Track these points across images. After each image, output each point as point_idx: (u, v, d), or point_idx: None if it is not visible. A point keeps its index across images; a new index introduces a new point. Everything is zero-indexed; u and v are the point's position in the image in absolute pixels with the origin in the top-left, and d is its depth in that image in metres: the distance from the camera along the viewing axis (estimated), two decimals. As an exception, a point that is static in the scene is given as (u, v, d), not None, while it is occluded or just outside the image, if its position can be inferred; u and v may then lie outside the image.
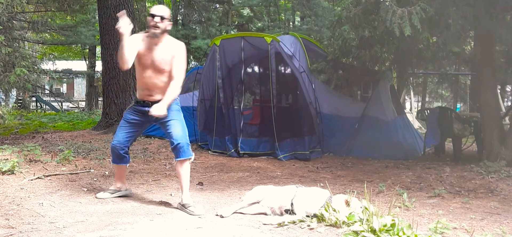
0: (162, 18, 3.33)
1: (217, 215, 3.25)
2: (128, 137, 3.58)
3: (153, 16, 3.32)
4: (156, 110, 3.25)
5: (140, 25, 13.20)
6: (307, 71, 6.76)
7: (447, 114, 6.98)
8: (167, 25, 3.39)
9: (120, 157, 3.62)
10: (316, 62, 8.72)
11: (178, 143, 3.36)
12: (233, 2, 15.06)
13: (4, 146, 5.75)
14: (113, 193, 3.77)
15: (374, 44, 6.97)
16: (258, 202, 3.39)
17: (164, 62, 3.36)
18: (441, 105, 16.54)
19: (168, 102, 3.32)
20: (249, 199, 3.41)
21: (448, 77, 10.42)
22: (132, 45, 3.32)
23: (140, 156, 6.08)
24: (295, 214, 3.19)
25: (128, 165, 3.79)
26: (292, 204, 3.25)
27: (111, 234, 2.79)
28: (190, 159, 3.44)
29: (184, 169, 3.45)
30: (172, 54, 3.38)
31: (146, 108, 3.42)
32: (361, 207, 3.03)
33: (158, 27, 3.31)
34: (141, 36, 3.44)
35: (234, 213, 3.30)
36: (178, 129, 3.40)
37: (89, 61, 19.51)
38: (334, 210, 3.06)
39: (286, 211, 3.26)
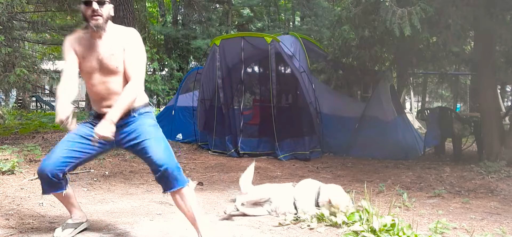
0: (101, 2, 2.42)
1: (225, 213, 3.23)
2: (67, 157, 2.46)
3: (87, 3, 2.41)
4: (100, 130, 2.30)
5: (140, 25, 13.19)
6: (307, 71, 6.76)
7: (447, 114, 6.99)
8: (110, 10, 2.50)
9: (51, 184, 2.49)
10: (316, 62, 8.73)
11: (164, 168, 2.36)
12: (233, 2, 15.07)
13: (4, 146, 5.75)
14: (76, 227, 2.74)
15: (374, 44, 6.97)
16: (259, 202, 3.38)
17: (114, 58, 2.47)
18: (441, 105, 16.55)
19: (117, 115, 2.37)
20: (252, 196, 3.40)
21: (448, 77, 10.42)
22: (68, 76, 2.51)
23: (140, 156, 6.08)
24: (295, 213, 3.19)
25: (65, 191, 2.58)
26: (294, 203, 3.25)
27: (111, 234, 2.79)
28: (184, 187, 2.46)
29: (185, 200, 2.48)
30: (122, 46, 2.49)
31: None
32: (349, 205, 3.07)
33: (98, 15, 2.41)
34: (75, 36, 2.54)
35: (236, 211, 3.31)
36: (159, 149, 2.41)
37: (89, 61, 19.49)
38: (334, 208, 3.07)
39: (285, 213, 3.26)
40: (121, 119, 2.45)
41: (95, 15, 2.41)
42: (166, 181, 2.41)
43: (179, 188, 2.42)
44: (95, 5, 2.40)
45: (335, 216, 3.02)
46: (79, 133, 2.51)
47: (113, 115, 2.36)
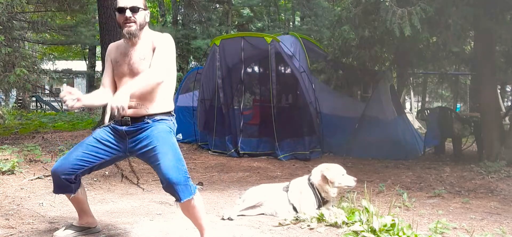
0: (134, 9, 2.39)
1: (223, 219, 3.21)
2: (81, 160, 2.42)
3: (120, 10, 2.39)
4: (114, 101, 2.12)
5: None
6: (307, 71, 6.76)
7: (447, 114, 6.99)
8: (146, 16, 2.46)
9: (61, 186, 2.47)
10: (316, 62, 8.73)
11: (170, 181, 2.28)
12: (233, 2, 15.05)
13: (4, 146, 5.75)
14: (77, 231, 2.71)
15: (374, 44, 6.98)
16: (258, 204, 3.38)
17: (144, 62, 2.42)
18: (441, 105, 16.55)
19: (130, 89, 2.20)
20: (250, 201, 3.39)
21: (448, 77, 10.43)
22: (100, 93, 2.54)
23: (140, 156, 6.08)
24: (295, 213, 3.19)
25: (74, 195, 2.55)
26: (293, 207, 3.25)
27: (111, 234, 2.79)
28: (192, 198, 2.36)
29: (192, 211, 2.42)
30: (152, 48, 2.44)
31: (123, 128, 2.43)
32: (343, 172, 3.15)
33: (131, 22, 2.39)
34: (116, 44, 2.60)
35: (239, 214, 3.29)
36: (168, 159, 2.31)
37: (89, 61, 19.50)
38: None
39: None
40: (134, 123, 2.41)
41: (128, 22, 2.39)
42: (173, 193, 2.32)
43: (186, 200, 2.33)
44: (128, 13, 2.37)
45: (333, 193, 3.13)
46: (97, 137, 2.47)
47: (127, 87, 2.23)
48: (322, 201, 3.17)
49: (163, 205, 3.62)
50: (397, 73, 8.70)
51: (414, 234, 2.62)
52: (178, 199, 2.32)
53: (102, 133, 2.48)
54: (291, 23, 16.77)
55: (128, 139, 2.44)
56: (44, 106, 20.07)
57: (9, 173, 4.33)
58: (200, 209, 2.45)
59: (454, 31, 5.10)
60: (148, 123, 2.41)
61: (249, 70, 8.42)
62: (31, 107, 20.22)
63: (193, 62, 16.74)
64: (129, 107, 2.37)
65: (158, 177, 2.39)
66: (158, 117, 2.43)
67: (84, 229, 2.71)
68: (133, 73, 2.43)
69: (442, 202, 3.91)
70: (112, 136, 2.47)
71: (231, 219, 3.16)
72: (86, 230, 2.72)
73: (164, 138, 2.38)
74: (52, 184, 2.51)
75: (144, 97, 2.39)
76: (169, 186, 2.30)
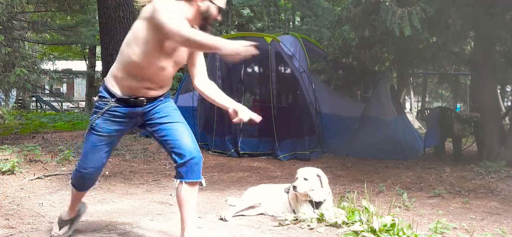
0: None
1: (221, 218, 3.21)
2: (107, 156, 2.47)
3: (220, 10, 2.39)
4: (245, 114, 2.29)
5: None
6: (307, 71, 6.77)
7: (447, 114, 6.99)
8: None
9: (92, 184, 2.59)
10: (316, 62, 8.73)
11: (192, 157, 2.30)
12: (233, 2, 15.05)
13: (4, 146, 5.75)
14: (70, 223, 2.70)
15: (374, 44, 6.99)
16: (257, 204, 3.37)
17: (186, 56, 2.44)
18: (441, 105, 16.55)
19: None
20: (249, 202, 3.39)
21: (448, 77, 10.44)
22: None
23: (140, 156, 6.08)
24: (294, 213, 3.19)
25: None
26: (293, 209, 3.24)
27: (111, 234, 2.79)
28: (200, 181, 2.37)
29: (193, 194, 2.38)
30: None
31: (139, 109, 2.37)
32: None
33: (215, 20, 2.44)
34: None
35: (234, 215, 3.28)
36: (188, 137, 2.34)
37: (89, 61, 19.50)
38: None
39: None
40: (150, 103, 2.39)
41: (216, 20, 2.43)
42: (189, 169, 2.30)
43: (198, 180, 2.34)
44: (220, 16, 2.39)
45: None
46: (105, 131, 2.38)
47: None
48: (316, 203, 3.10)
49: (163, 205, 3.62)
50: (397, 73, 8.72)
51: (414, 234, 2.62)
52: (192, 177, 2.30)
53: (108, 126, 2.39)
54: (291, 23, 16.77)
55: (141, 115, 2.41)
56: (44, 106, 20.06)
57: (9, 173, 4.33)
58: (195, 199, 2.43)
59: (454, 31, 5.11)
60: (161, 100, 2.43)
61: (249, 70, 8.42)
62: (31, 107, 20.22)
63: (193, 62, 16.73)
64: (150, 89, 2.36)
65: (174, 153, 2.33)
66: (167, 94, 2.47)
67: (76, 218, 2.71)
68: (177, 62, 2.41)
69: (442, 202, 3.91)
70: (120, 122, 2.40)
71: (226, 220, 3.15)
72: (77, 217, 2.72)
73: (181, 117, 2.43)
74: (80, 183, 2.52)
75: (164, 86, 2.42)
76: (188, 163, 2.29)
